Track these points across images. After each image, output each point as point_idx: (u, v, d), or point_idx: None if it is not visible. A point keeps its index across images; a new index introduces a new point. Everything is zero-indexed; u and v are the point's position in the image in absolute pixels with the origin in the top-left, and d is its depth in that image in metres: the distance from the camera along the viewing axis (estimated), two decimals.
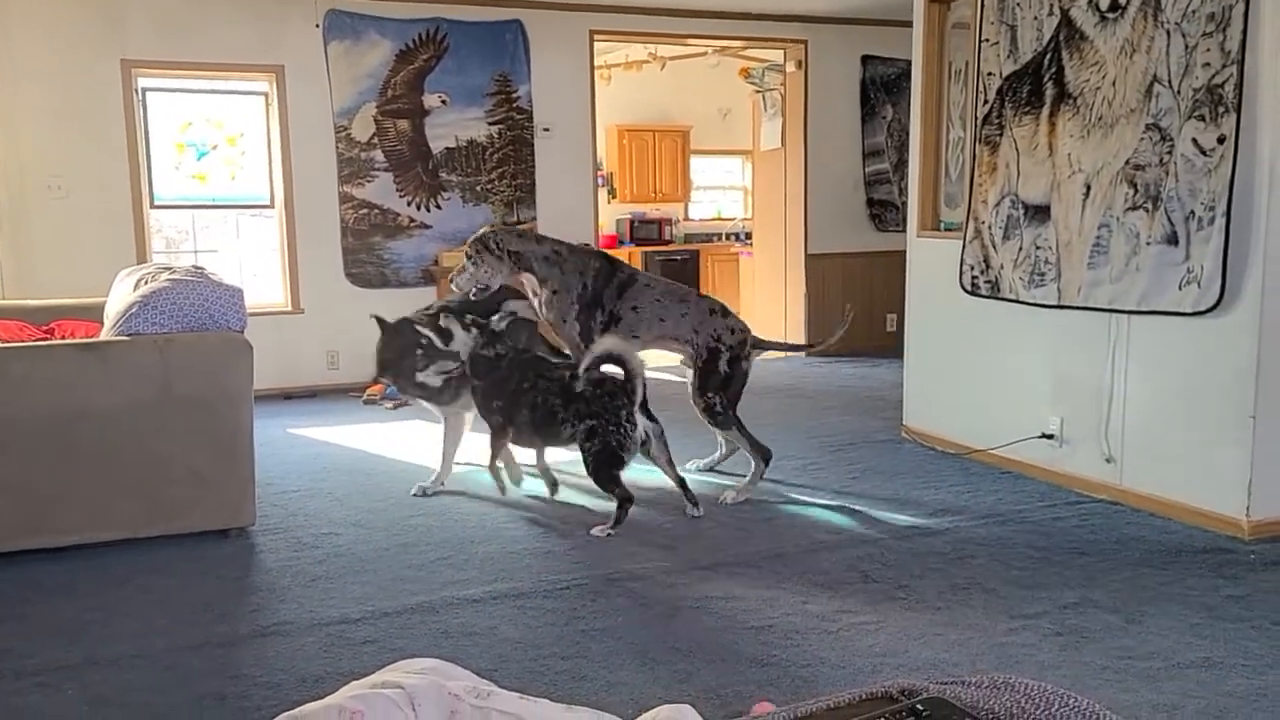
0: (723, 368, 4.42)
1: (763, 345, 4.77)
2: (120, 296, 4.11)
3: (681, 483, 4.15)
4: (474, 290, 4.56)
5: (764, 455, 4.45)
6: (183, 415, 3.73)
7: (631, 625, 3.02)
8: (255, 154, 7.05)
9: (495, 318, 4.35)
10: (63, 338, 4.50)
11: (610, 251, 9.89)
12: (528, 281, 4.58)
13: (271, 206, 7.05)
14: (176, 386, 3.71)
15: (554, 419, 4.06)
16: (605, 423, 3.94)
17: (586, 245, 5.17)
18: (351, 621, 3.08)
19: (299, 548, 3.78)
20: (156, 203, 6.82)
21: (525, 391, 4.13)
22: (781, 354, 4.78)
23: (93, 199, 6.42)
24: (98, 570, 3.54)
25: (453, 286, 4.64)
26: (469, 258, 4.54)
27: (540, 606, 3.18)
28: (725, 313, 4.56)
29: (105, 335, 3.86)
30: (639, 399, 3.98)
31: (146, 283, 4.05)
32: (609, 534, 3.88)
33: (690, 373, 4.49)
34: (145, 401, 3.68)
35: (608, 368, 3.96)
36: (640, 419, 4.00)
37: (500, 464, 4.38)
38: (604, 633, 2.97)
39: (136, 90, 6.55)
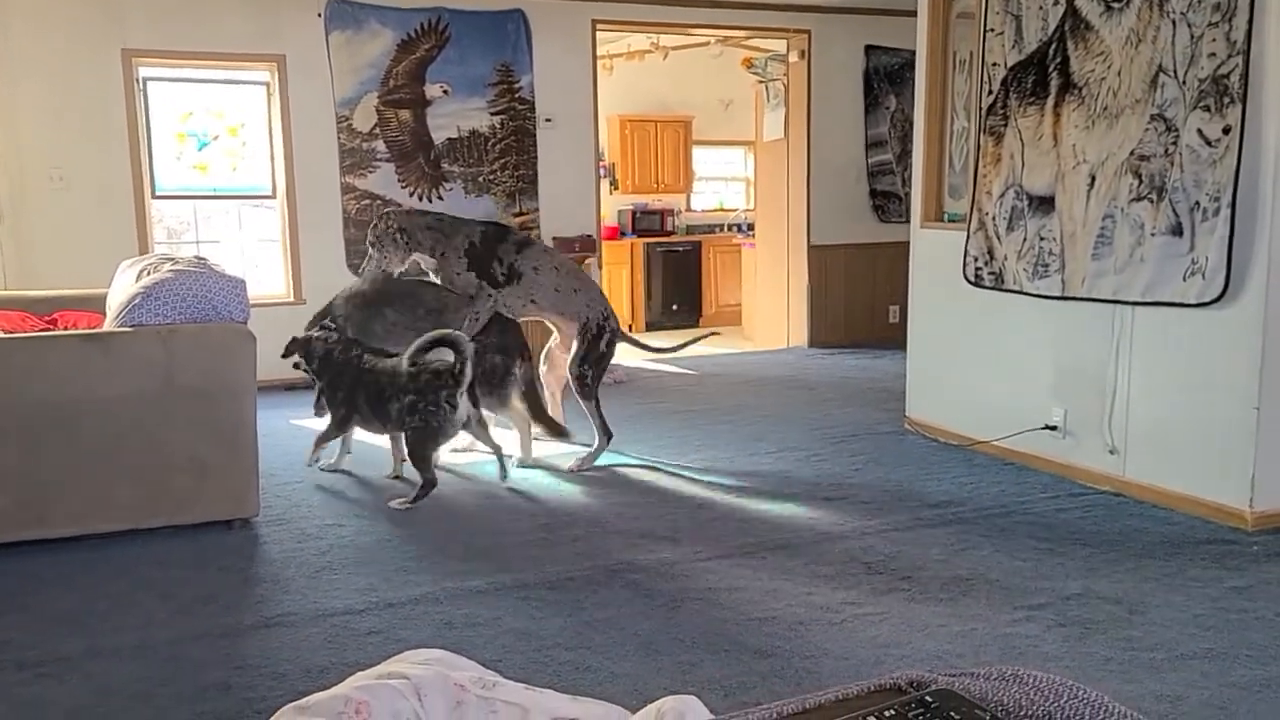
0: (603, 346, 4.86)
1: (625, 338, 5.08)
2: (122, 287, 4.11)
3: (498, 450, 4.50)
4: (396, 272, 4.88)
5: (608, 435, 4.81)
6: (186, 406, 3.73)
7: (635, 616, 3.02)
8: (257, 144, 7.03)
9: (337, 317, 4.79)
10: (65, 328, 4.49)
11: (612, 243, 9.91)
12: (423, 262, 4.88)
13: (273, 197, 7.04)
14: (179, 377, 3.71)
15: (383, 400, 4.27)
16: (426, 403, 4.14)
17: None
18: (356, 612, 3.08)
19: (303, 539, 3.78)
20: (158, 193, 6.81)
21: (361, 379, 4.36)
22: (677, 351, 5.08)
23: (94, 190, 6.40)
24: (100, 561, 3.55)
25: (359, 275, 4.92)
26: (371, 245, 4.85)
27: (544, 598, 3.18)
28: (606, 300, 5.00)
29: (108, 326, 3.85)
30: (465, 383, 4.15)
31: (149, 273, 4.05)
32: (406, 507, 4.10)
33: (574, 345, 4.87)
34: (148, 392, 3.67)
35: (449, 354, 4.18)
36: (463, 402, 4.20)
37: (463, 447, 4.71)
38: (607, 624, 2.97)
39: (137, 80, 6.53)
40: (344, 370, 4.41)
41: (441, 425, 4.17)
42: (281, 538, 3.79)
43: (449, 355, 4.15)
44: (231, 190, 7.13)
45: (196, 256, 4.62)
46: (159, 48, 6.49)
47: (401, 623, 3.00)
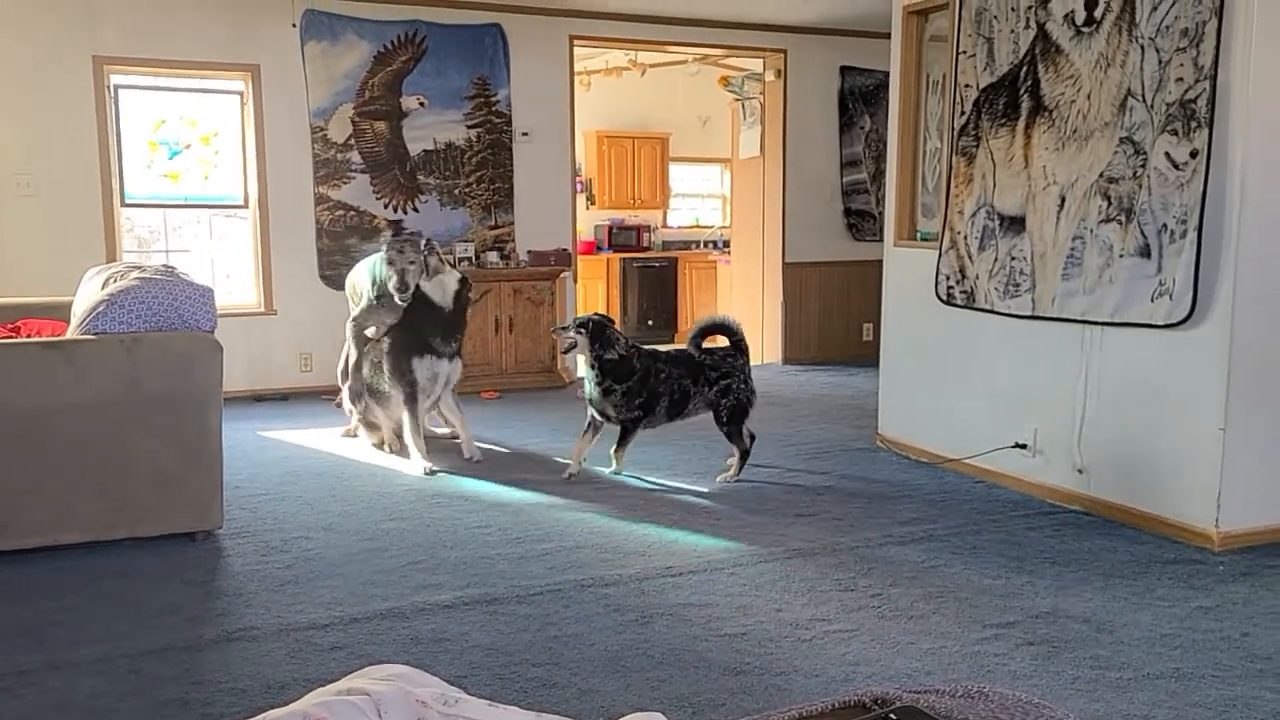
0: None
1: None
2: (88, 295, 4.05)
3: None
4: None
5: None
6: (150, 416, 3.67)
7: (604, 632, 3.00)
8: (229, 153, 6.98)
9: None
10: (28, 336, 4.42)
11: (588, 257, 9.91)
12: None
13: (245, 207, 6.98)
14: (144, 386, 3.65)
15: (689, 393, 4.78)
16: (735, 381, 4.74)
17: None
18: (320, 627, 3.04)
19: (267, 551, 3.73)
20: (127, 201, 6.73)
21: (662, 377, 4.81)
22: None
23: (62, 197, 6.32)
24: (61, 573, 3.48)
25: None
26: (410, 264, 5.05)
27: (512, 612, 3.15)
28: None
29: (71, 334, 3.80)
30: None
31: (115, 281, 3.99)
32: (734, 481, 4.64)
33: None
34: (111, 401, 3.62)
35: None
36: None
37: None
38: (576, 639, 2.94)
39: (108, 87, 6.47)
40: (646, 374, 4.65)
41: (750, 397, 4.70)
42: (245, 550, 3.74)
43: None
44: (203, 199, 7.06)
45: (164, 265, 4.57)
46: (131, 55, 6.43)
47: (367, 638, 2.96)
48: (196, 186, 7.01)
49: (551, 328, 5.03)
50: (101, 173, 6.42)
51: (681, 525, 4.05)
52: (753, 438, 4.83)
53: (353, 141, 6.98)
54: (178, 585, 3.40)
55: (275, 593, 3.32)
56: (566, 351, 4.82)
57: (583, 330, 4.61)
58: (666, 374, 4.65)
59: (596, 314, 4.82)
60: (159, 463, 3.69)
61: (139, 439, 3.67)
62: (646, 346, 4.88)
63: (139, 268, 4.24)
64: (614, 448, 4.76)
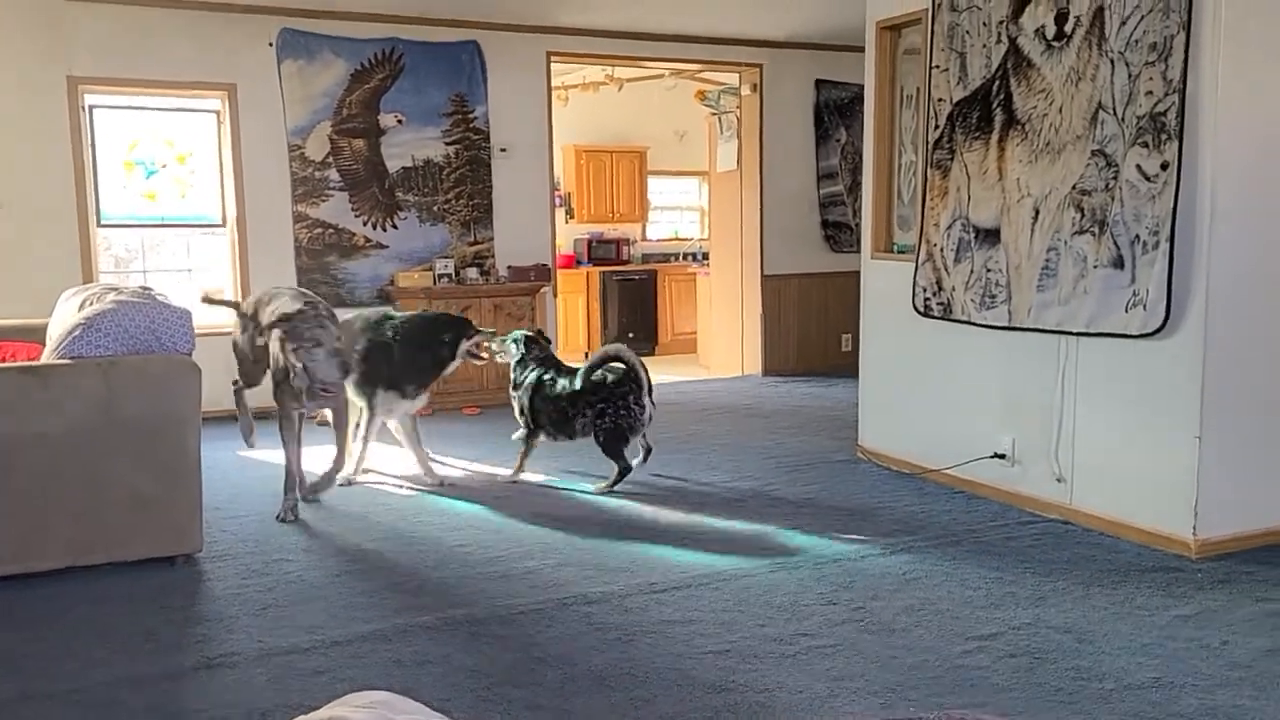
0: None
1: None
2: (63, 318, 4.01)
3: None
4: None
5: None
6: (127, 439, 3.64)
7: (588, 651, 2.99)
8: (206, 172, 6.94)
9: None
10: (3, 360, 4.38)
11: (568, 271, 9.91)
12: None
13: (223, 226, 6.94)
14: (121, 410, 3.62)
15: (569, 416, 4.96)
16: (616, 408, 4.83)
17: None
18: (301, 651, 3.01)
19: (248, 575, 3.70)
20: (104, 222, 6.69)
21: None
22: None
23: (37, 218, 6.27)
24: (36, 600, 3.44)
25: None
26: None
27: (495, 633, 3.14)
28: None
29: (47, 358, 3.76)
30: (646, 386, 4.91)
31: (91, 303, 3.96)
32: (606, 491, 4.77)
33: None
34: (88, 426, 3.58)
35: None
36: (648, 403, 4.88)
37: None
38: (559, 659, 2.93)
39: (83, 107, 6.43)
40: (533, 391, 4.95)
41: (631, 424, 4.85)
42: (226, 574, 3.71)
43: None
44: (180, 219, 7.02)
45: (142, 287, 4.53)
46: (106, 75, 6.40)
47: (349, 662, 2.94)
48: (174, 206, 6.97)
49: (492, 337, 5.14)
50: (77, 193, 6.38)
51: (663, 540, 4.05)
52: (649, 450, 5.05)
53: (331, 159, 6.97)
54: (156, 611, 3.37)
55: (256, 617, 3.29)
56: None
57: (516, 344, 5.07)
58: (554, 394, 4.90)
59: (532, 329, 5.37)
60: (136, 487, 3.66)
61: (116, 463, 3.63)
62: (571, 365, 5.07)
63: (116, 289, 4.21)
64: None
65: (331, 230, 7.01)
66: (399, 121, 7.10)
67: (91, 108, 6.54)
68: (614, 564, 3.77)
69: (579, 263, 10.45)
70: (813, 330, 8.61)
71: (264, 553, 3.95)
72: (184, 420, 3.72)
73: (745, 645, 3.01)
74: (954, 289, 4.70)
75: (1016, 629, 3.12)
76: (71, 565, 3.63)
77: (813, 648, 2.99)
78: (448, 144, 7.29)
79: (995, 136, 4.43)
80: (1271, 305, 3.82)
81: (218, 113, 6.81)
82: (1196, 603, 3.32)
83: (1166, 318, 3.72)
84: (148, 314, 3.77)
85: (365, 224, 7.10)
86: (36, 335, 4.63)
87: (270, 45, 6.68)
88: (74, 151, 6.35)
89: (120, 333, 3.70)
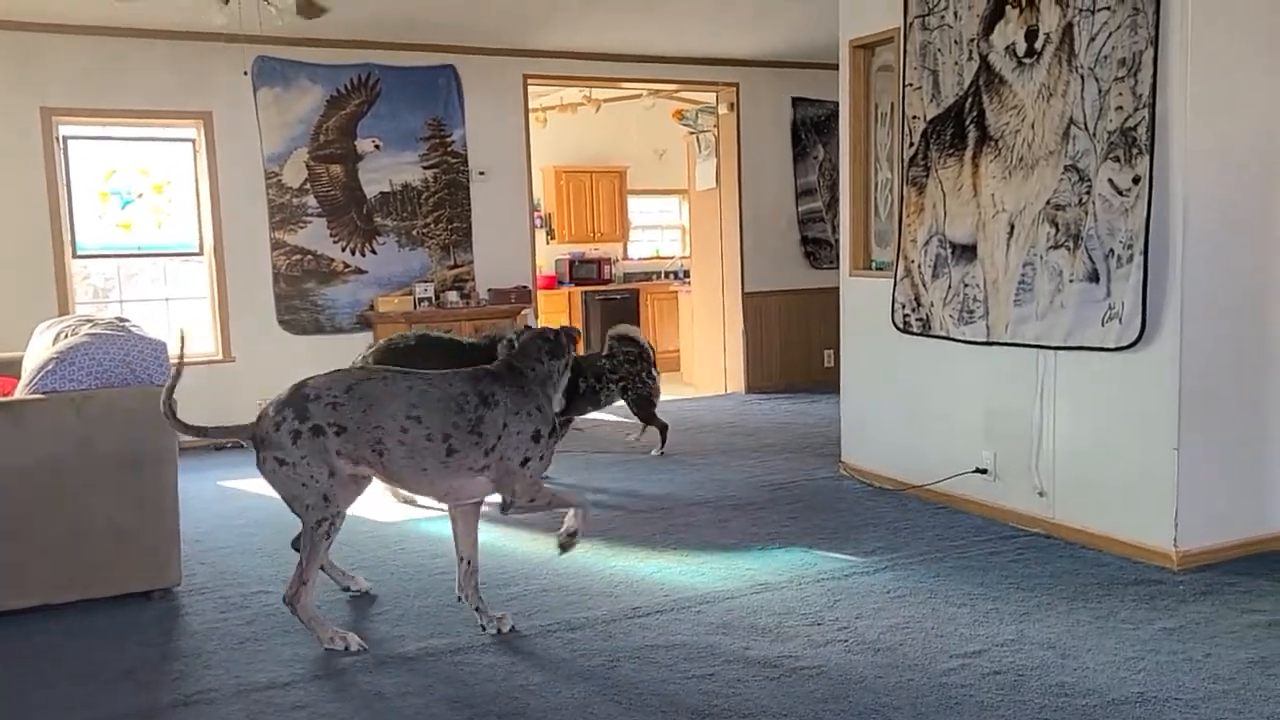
0: None
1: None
2: (38, 351, 3.98)
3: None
4: None
5: None
6: (103, 474, 3.60)
7: (571, 678, 2.96)
8: (183, 201, 6.91)
9: None
10: None
11: (549, 292, 9.89)
12: None
13: (200, 254, 6.91)
14: (96, 444, 3.59)
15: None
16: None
17: None
18: (280, 686, 2.98)
19: (227, 608, 3.65)
20: (79, 253, 6.64)
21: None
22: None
23: (11, 249, 6.23)
24: (11, 639, 3.38)
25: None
26: None
27: (477, 662, 3.11)
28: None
29: (19, 393, 3.72)
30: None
31: (66, 336, 3.93)
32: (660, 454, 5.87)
33: None
34: (62, 461, 3.55)
35: None
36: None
37: None
38: (542, 687, 2.91)
39: (57, 138, 6.40)
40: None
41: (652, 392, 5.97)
42: (204, 608, 3.66)
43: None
44: (157, 248, 6.98)
45: (116, 318, 4.50)
46: (80, 106, 6.38)
47: (330, 695, 2.91)
48: (150, 235, 6.94)
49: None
50: (52, 225, 6.34)
51: (647, 562, 4.02)
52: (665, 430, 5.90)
53: (308, 186, 6.95)
54: (133, 647, 3.32)
55: (234, 651, 3.25)
56: None
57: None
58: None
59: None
60: (113, 521, 3.62)
61: (91, 498, 3.59)
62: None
63: (90, 320, 4.18)
64: None
65: (310, 256, 6.99)
66: (376, 147, 7.10)
67: (66, 138, 6.52)
68: (597, 589, 3.75)
69: (561, 283, 10.46)
70: (795, 347, 8.63)
71: (243, 585, 3.90)
72: (160, 453, 3.69)
73: (729, 669, 3.00)
74: (932, 305, 4.71)
75: (1000, 645, 3.11)
76: (47, 603, 3.58)
77: (797, 669, 2.98)
78: (425, 168, 7.29)
79: (969, 153, 4.46)
80: (1245, 315, 3.85)
81: (193, 141, 6.79)
82: (1179, 615, 3.32)
83: (1142, 330, 3.74)
84: (121, 346, 3.74)
85: (344, 250, 7.08)
86: (12, 369, 4.59)
87: (245, 74, 6.67)
88: (48, 183, 6.32)
89: (94, 366, 3.66)
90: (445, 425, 3.14)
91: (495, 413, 3.18)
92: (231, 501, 5.26)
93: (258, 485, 5.59)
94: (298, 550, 3.31)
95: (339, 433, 3.12)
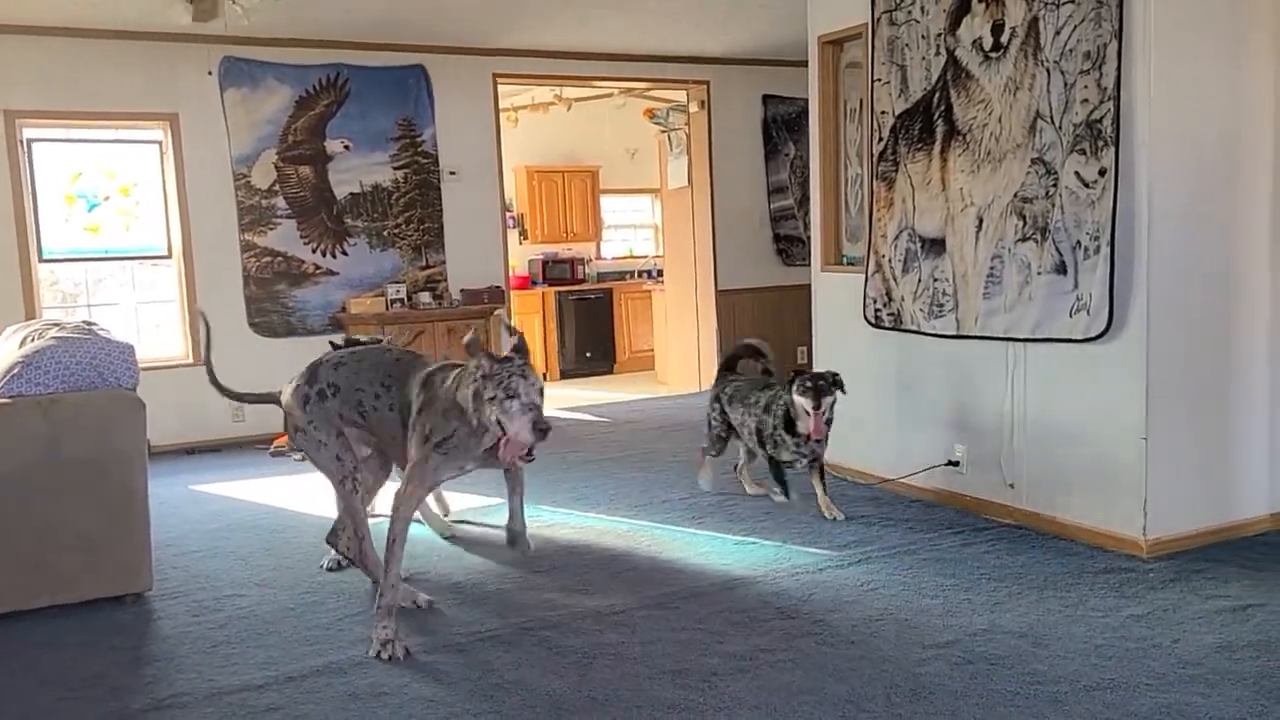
0: None
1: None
2: (4, 355, 3.93)
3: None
4: None
5: None
6: (71, 478, 3.56)
7: (546, 675, 2.96)
8: (150, 204, 6.84)
9: None
10: None
11: (523, 292, 9.87)
12: None
13: (169, 257, 6.85)
14: (63, 449, 3.55)
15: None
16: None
17: None
18: (254, 689, 2.95)
19: (199, 612, 3.62)
20: (45, 257, 6.56)
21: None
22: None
23: None
24: None
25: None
26: None
27: (452, 661, 3.10)
28: None
29: None
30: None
31: (32, 340, 3.88)
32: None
33: None
34: (29, 466, 3.50)
35: None
36: None
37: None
38: (517, 685, 2.90)
39: (21, 142, 6.32)
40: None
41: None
42: (176, 612, 3.63)
43: None
44: (125, 251, 6.90)
45: (84, 321, 4.45)
46: (44, 108, 6.30)
47: (303, 697, 2.89)
48: (118, 238, 6.86)
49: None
50: (17, 229, 6.27)
51: (621, 559, 4.03)
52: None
53: (277, 187, 6.90)
54: (104, 653, 3.29)
55: (207, 655, 3.22)
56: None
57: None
58: None
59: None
60: (82, 527, 3.58)
61: (60, 503, 3.55)
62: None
63: (57, 324, 4.13)
64: None
65: (280, 258, 6.94)
66: (346, 147, 7.06)
67: (30, 141, 6.43)
68: (572, 586, 3.74)
69: (534, 283, 10.43)
70: (768, 343, 8.63)
71: (216, 589, 3.87)
72: (130, 456, 3.65)
73: (704, 663, 3.00)
74: (903, 299, 4.74)
75: (973, 635, 3.13)
76: (16, 610, 3.53)
77: (772, 662, 2.99)
78: (396, 168, 7.25)
79: (937, 147, 4.49)
80: (1211, 305, 3.90)
81: (160, 143, 6.73)
82: (1148, 602, 3.36)
83: (1110, 321, 3.79)
84: (89, 349, 3.70)
85: (314, 251, 7.04)
86: None
87: (210, 74, 6.61)
88: (13, 186, 6.24)
89: (61, 369, 3.62)
90: (405, 397, 3.31)
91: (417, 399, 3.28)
92: (204, 505, 5.21)
93: (229, 489, 5.56)
94: (332, 545, 3.65)
95: (335, 393, 3.39)
